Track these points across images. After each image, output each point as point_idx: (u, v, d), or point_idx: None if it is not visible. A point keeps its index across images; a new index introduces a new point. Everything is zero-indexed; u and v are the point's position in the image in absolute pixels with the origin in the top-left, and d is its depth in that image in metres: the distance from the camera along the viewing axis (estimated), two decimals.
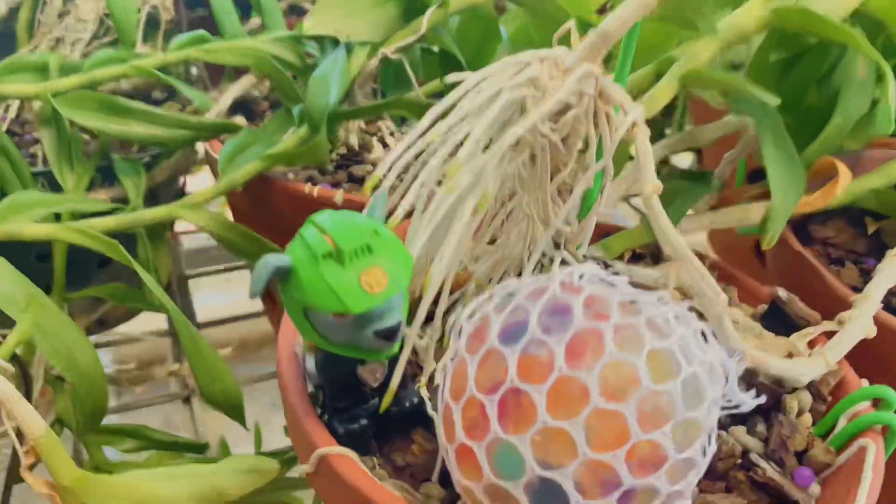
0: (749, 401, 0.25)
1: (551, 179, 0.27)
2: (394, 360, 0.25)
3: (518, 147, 0.27)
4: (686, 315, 0.22)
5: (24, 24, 0.52)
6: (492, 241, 0.30)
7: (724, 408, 0.25)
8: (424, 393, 0.27)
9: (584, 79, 0.26)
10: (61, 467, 0.29)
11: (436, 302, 0.26)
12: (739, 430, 0.29)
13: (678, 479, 0.21)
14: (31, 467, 0.29)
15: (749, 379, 0.31)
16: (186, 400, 0.50)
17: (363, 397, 0.26)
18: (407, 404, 0.26)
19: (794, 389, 0.30)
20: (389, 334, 0.22)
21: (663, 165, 0.44)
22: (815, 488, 0.27)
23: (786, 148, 0.35)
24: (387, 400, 0.25)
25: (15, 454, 0.39)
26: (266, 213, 0.43)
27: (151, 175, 0.45)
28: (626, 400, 0.20)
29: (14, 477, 0.40)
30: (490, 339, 0.22)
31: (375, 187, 0.24)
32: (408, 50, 0.45)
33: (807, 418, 0.30)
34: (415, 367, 0.29)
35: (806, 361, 0.28)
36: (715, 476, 0.28)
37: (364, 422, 0.26)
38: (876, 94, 0.39)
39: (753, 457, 0.27)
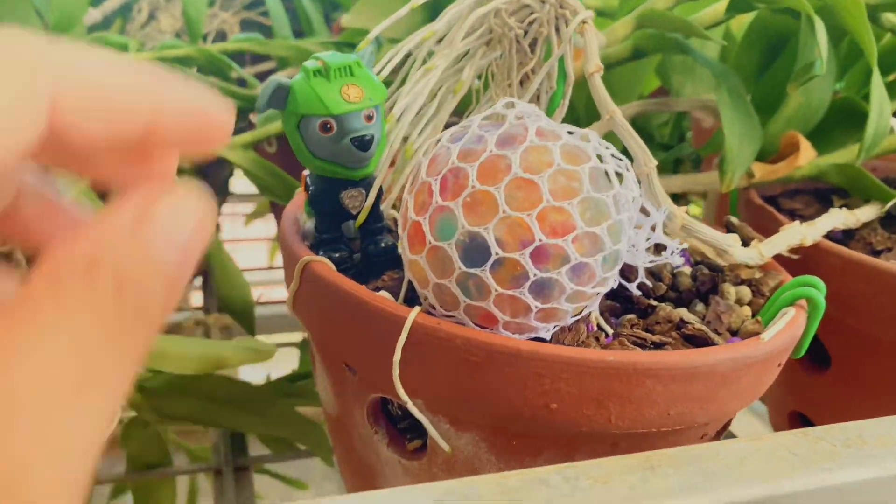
0: (674, 244, 0.29)
1: (517, 75, 0.33)
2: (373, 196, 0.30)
3: (490, 45, 0.33)
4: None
5: (116, 31, 0.61)
6: None
7: (653, 256, 0.29)
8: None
9: None
10: None
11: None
12: (680, 309, 0.33)
13: (586, 252, 0.25)
14: None
15: (692, 272, 0.35)
16: None
17: (347, 240, 0.31)
18: (382, 245, 0.31)
19: (737, 282, 0.33)
20: (363, 143, 0.27)
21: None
22: None
23: (741, 104, 0.40)
24: (362, 216, 0.30)
25: None
26: (292, 170, 0.49)
27: None
28: (541, 173, 0.24)
29: None
30: (442, 141, 0.27)
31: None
32: None
33: (746, 309, 0.33)
34: (394, 225, 0.34)
35: (736, 239, 0.32)
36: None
37: (345, 252, 0.30)
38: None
39: (686, 316, 0.31)
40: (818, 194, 0.46)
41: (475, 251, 0.25)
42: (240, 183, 0.71)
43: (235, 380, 0.39)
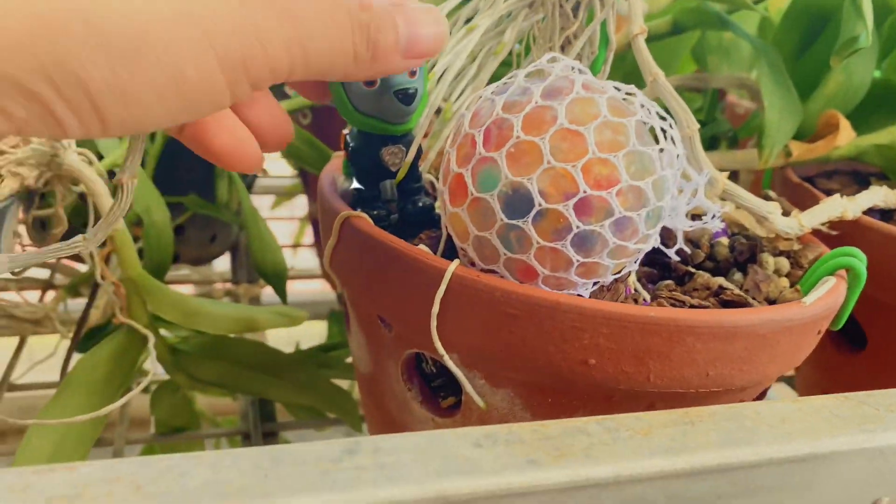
0: (715, 208, 0.29)
1: (559, 39, 0.33)
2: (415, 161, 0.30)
3: (533, 7, 0.33)
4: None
5: None
6: None
7: (693, 217, 0.29)
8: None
9: None
10: (129, 260, 0.35)
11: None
12: (718, 277, 0.32)
13: (630, 206, 0.25)
14: (107, 258, 0.35)
15: (730, 242, 0.34)
16: None
17: (385, 201, 0.31)
18: (420, 205, 0.31)
19: (776, 253, 0.33)
20: (407, 97, 0.27)
21: None
22: None
23: (782, 80, 0.39)
24: (402, 172, 0.30)
25: (79, 329, 0.45)
26: (325, 142, 0.49)
27: None
28: (587, 125, 0.24)
29: (77, 346, 0.45)
30: (485, 94, 0.27)
31: None
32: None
33: (784, 280, 0.33)
34: (431, 188, 0.34)
35: (777, 207, 0.31)
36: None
37: (383, 210, 0.30)
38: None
39: (725, 283, 0.31)
40: (856, 176, 0.45)
41: (518, 203, 0.25)
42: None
43: (265, 346, 0.40)
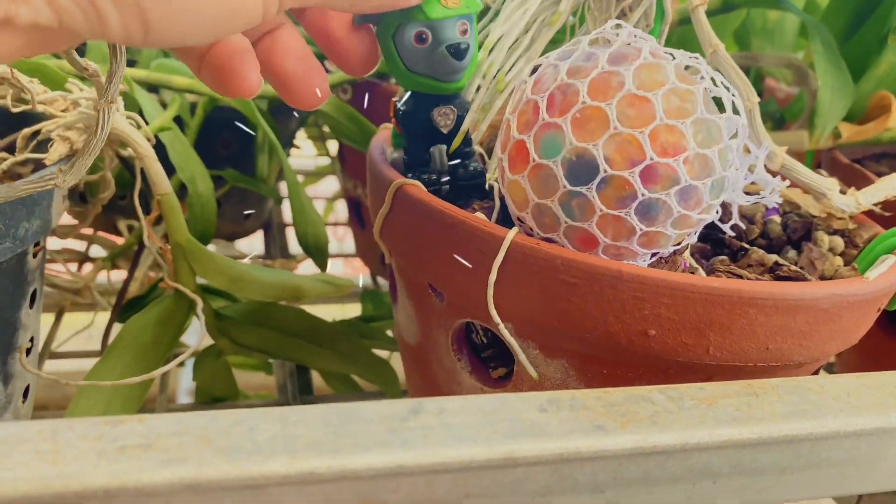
0: (775, 182, 0.28)
1: (615, 10, 0.32)
2: (460, 118, 0.30)
3: None
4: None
5: None
6: None
7: (748, 193, 0.28)
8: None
9: None
10: (177, 226, 0.35)
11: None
12: (772, 255, 0.32)
13: (696, 175, 0.24)
14: (154, 221, 0.35)
15: (783, 220, 0.34)
16: None
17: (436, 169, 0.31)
18: (471, 168, 0.31)
19: (830, 232, 0.33)
20: (459, 52, 0.27)
21: None
22: None
23: (836, 59, 0.39)
24: (457, 140, 0.30)
25: (120, 298, 0.45)
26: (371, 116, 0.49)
27: None
28: (655, 91, 0.24)
29: (117, 315, 0.46)
30: (548, 61, 0.26)
31: None
32: None
33: (838, 259, 0.32)
34: (480, 161, 0.33)
35: (835, 184, 0.31)
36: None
37: (434, 176, 0.30)
38: None
39: (779, 260, 0.30)
40: None
41: (582, 169, 0.24)
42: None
43: (308, 314, 0.40)
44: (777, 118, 0.47)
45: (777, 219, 0.34)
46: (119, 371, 0.33)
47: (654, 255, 0.26)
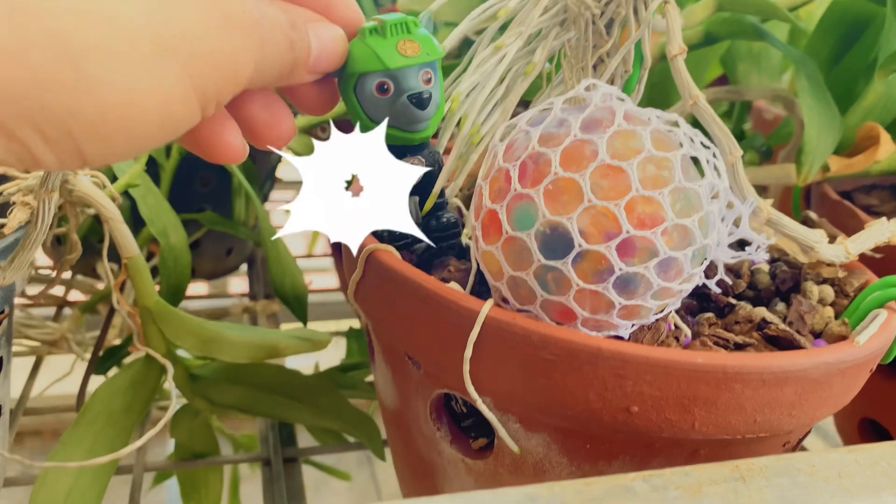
0: (760, 239, 0.27)
1: (592, 58, 0.31)
2: (432, 176, 0.29)
3: (564, 25, 0.31)
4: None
5: None
6: None
7: (735, 251, 0.27)
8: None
9: None
10: (145, 289, 0.33)
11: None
12: (759, 308, 0.31)
13: (675, 246, 0.23)
14: (121, 287, 0.33)
15: (771, 269, 0.33)
16: None
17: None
18: (444, 220, 0.30)
19: (819, 281, 0.32)
20: (421, 101, 0.26)
21: None
22: None
23: (822, 93, 0.38)
24: (430, 203, 0.29)
25: (96, 351, 0.44)
26: None
27: None
28: (630, 160, 0.23)
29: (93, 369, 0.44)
30: (520, 125, 0.25)
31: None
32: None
33: (829, 310, 0.31)
34: (458, 213, 0.32)
35: (823, 236, 0.30)
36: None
37: (409, 239, 0.29)
38: None
39: (768, 316, 0.29)
40: (895, 189, 0.43)
41: (556, 243, 0.23)
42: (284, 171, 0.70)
43: (286, 369, 0.38)
44: (764, 151, 0.46)
45: (765, 267, 0.33)
46: (89, 441, 0.32)
47: (636, 323, 0.25)
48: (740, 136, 0.56)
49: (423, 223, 0.30)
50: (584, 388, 0.24)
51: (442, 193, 0.31)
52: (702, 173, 0.24)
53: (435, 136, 0.31)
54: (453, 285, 0.26)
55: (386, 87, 0.27)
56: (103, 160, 0.20)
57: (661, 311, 0.25)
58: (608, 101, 0.25)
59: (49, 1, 0.18)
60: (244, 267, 0.65)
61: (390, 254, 0.28)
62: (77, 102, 0.18)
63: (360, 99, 0.27)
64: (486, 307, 0.25)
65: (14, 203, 0.32)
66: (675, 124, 0.25)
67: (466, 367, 0.25)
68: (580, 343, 0.23)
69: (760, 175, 0.42)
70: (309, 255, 0.74)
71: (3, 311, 0.33)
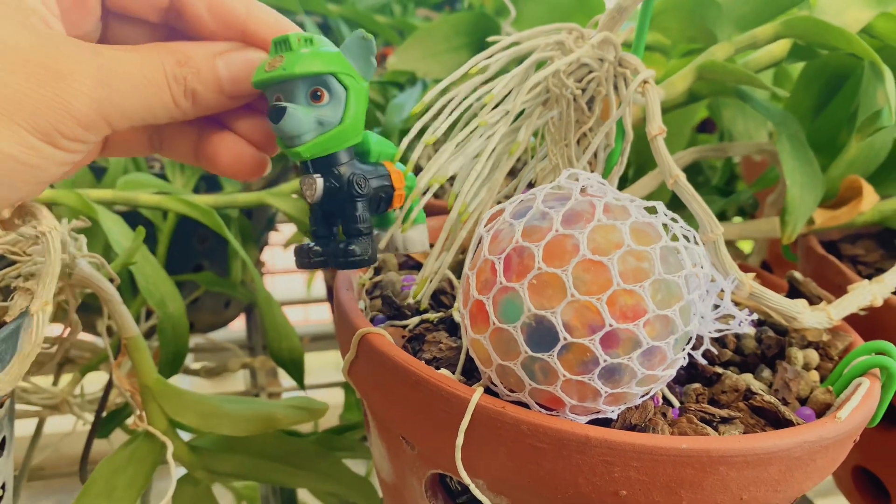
0: (743, 316, 0.28)
1: (575, 134, 0.32)
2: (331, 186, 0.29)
3: (547, 104, 0.32)
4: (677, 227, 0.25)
5: None
6: None
7: (720, 323, 0.28)
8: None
9: (604, 44, 0.31)
10: (145, 367, 0.34)
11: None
12: (746, 376, 0.32)
13: (657, 335, 0.24)
14: (120, 365, 0.34)
15: (757, 334, 0.34)
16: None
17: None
18: (350, 247, 0.28)
19: (804, 345, 0.32)
20: (272, 113, 0.27)
21: (698, 175, 0.48)
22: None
23: (803, 153, 0.39)
24: (418, 290, 0.29)
25: (98, 415, 0.44)
26: None
27: (248, 185, 0.53)
28: (610, 255, 0.24)
29: (96, 434, 0.45)
30: (503, 217, 0.26)
31: (423, 111, 0.30)
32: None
33: (814, 374, 0.32)
34: (450, 287, 0.33)
35: (805, 305, 0.31)
36: (717, 407, 0.30)
37: (323, 258, 0.29)
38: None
39: (754, 386, 0.30)
40: (880, 238, 0.44)
41: (542, 335, 0.24)
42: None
43: (284, 436, 0.39)
44: (751, 203, 0.47)
45: (751, 331, 0.34)
46: None
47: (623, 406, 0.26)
48: (730, 179, 0.57)
49: (335, 247, 0.29)
50: (573, 475, 0.24)
51: (364, 220, 0.29)
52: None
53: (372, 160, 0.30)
54: (444, 371, 0.27)
55: (275, 99, 0.28)
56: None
57: (647, 393, 0.26)
58: (590, 186, 0.26)
59: None
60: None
61: (383, 337, 0.28)
62: None
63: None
64: (476, 396, 0.25)
65: (15, 288, 0.33)
66: (653, 210, 0.26)
67: (458, 455, 0.26)
68: (568, 431, 0.24)
69: (748, 229, 0.42)
70: (306, 301, 0.75)
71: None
